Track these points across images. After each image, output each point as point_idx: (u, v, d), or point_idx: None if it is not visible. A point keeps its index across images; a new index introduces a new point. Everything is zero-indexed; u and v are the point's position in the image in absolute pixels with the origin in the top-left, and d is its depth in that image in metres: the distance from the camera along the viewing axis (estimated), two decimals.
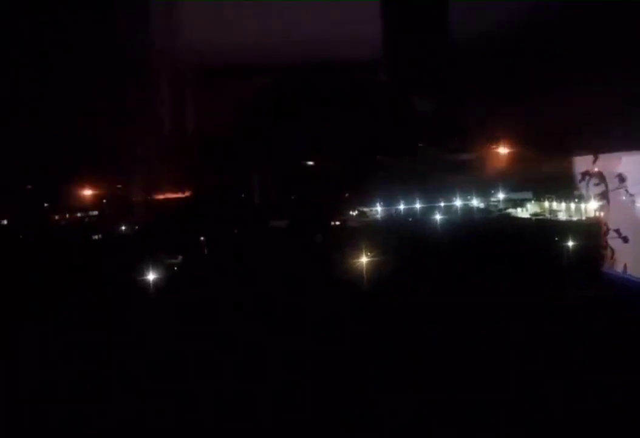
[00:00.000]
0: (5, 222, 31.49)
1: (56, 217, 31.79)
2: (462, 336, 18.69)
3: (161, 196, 33.67)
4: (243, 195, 33.14)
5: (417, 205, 32.77)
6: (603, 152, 26.59)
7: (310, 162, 33.94)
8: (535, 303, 21.59)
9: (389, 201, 33.00)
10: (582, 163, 29.78)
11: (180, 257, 29.80)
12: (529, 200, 34.07)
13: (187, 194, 34.03)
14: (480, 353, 17.36)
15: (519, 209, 33.97)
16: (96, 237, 31.08)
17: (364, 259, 27.21)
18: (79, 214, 32.12)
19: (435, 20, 35.18)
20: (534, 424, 14.01)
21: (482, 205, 33.64)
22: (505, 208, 33.85)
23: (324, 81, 35.22)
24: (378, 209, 33.16)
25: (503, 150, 34.59)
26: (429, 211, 32.71)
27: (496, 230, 30.89)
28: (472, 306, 22.18)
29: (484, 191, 33.72)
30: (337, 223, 32.12)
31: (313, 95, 34.98)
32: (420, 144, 34.50)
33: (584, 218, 31.42)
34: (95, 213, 32.37)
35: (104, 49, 33.33)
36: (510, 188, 33.70)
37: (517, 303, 21.63)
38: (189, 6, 34.81)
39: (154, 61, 35.07)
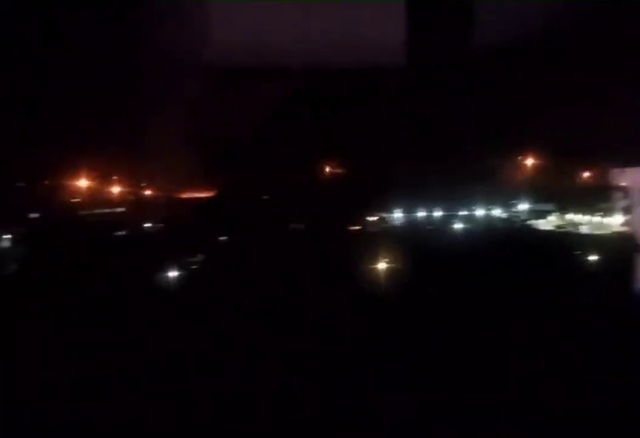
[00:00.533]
0: (36, 215, 32.42)
1: (82, 212, 32.56)
2: (483, 347, 18.68)
3: (184, 195, 34.27)
4: (264, 196, 33.47)
5: (438, 213, 32.65)
6: (630, 165, 26.25)
7: (331, 166, 34.11)
8: (557, 316, 21.48)
9: (408, 208, 32.91)
10: (609, 176, 29.38)
11: (200, 256, 30.36)
12: (553, 212, 33.61)
13: (209, 194, 34.55)
14: (500, 364, 17.38)
15: (541, 221, 33.54)
16: (121, 233, 31.78)
17: (382, 266, 27.35)
18: (105, 211, 32.87)
19: (461, 22, 34.98)
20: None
21: (504, 215, 33.33)
22: (528, 219, 33.46)
23: (347, 84, 35.35)
24: (398, 216, 33.11)
25: (528, 159, 34.26)
26: (449, 219, 32.57)
27: (517, 241, 30.73)
28: (491, 316, 22.17)
29: (506, 200, 33.42)
30: (356, 228, 32.19)
31: (337, 98, 35.15)
32: (443, 151, 34.33)
33: (609, 231, 30.97)
34: (122, 209, 33.08)
35: (130, 47, 34.05)
36: (534, 198, 33.34)
37: (537, 316, 21.55)
38: (216, 6, 35.23)
39: (179, 59, 35.67)
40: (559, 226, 33.67)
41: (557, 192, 33.21)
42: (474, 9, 34.90)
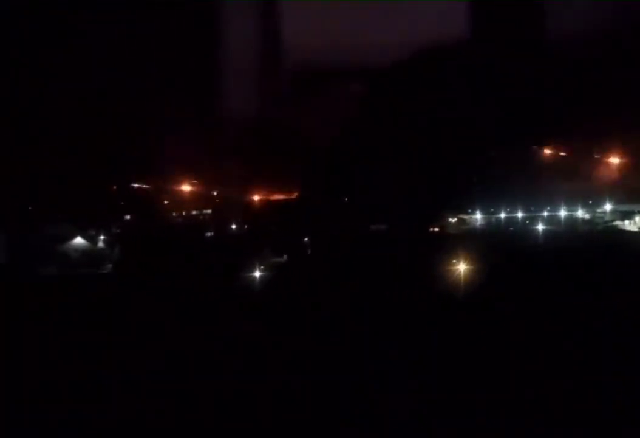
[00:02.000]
0: (128, 217, 34.29)
1: (174, 214, 34.17)
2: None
3: (268, 197, 35.22)
4: (346, 198, 33.92)
5: (519, 214, 32.28)
6: None
7: (411, 168, 34.19)
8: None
9: (489, 209, 32.66)
10: None
11: (285, 256, 31.35)
12: (639, 212, 32.69)
13: (292, 196, 35.36)
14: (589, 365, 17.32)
15: (627, 222, 32.67)
16: (209, 234, 33.18)
17: (462, 267, 27.43)
18: (194, 212, 34.37)
19: (527, 19, 34.32)
20: None
21: (587, 216, 32.64)
22: (612, 220, 32.67)
23: (422, 86, 35.15)
24: (478, 217, 32.91)
25: (613, 158, 33.45)
26: (531, 220, 32.16)
27: (601, 243, 30.09)
28: (573, 318, 21.99)
29: (591, 201, 32.71)
30: (437, 229, 32.28)
31: (414, 100, 35.06)
32: (525, 151, 33.89)
33: None
34: (208, 211, 34.47)
35: (206, 51, 35.05)
36: (619, 199, 32.52)
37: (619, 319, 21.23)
38: (291, 9, 35.67)
39: (256, 64, 36.37)
40: None
41: None
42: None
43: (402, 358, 18.48)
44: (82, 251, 32.58)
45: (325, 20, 35.48)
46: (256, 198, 34.90)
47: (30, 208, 33.07)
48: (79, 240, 32.71)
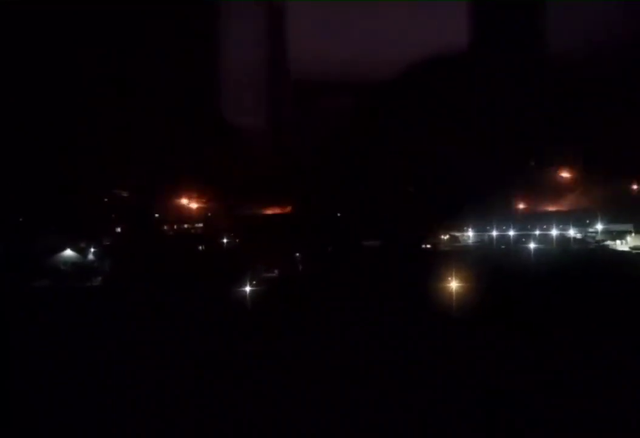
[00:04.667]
0: (119, 230, 34.05)
1: (165, 227, 33.97)
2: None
3: (260, 212, 35.13)
4: (339, 214, 33.89)
5: (511, 232, 32.31)
6: None
7: (405, 184, 34.26)
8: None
9: (481, 227, 32.68)
10: None
11: (275, 271, 31.21)
12: (629, 232, 32.85)
13: (284, 211, 35.28)
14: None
15: (617, 242, 32.81)
16: (200, 247, 32.98)
17: (453, 284, 27.37)
18: (185, 226, 34.19)
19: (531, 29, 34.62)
20: None
21: (578, 235, 32.75)
22: (603, 240, 32.80)
23: (417, 103, 35.25)
24: (470, 235, 32.92)
25: (603, 178, 33.67)
26: (522, 239, 32.20)
27: (592, 263, 30.14)
28: (562, 336, 21.98)
29: (582, 220, 32.85)
30: (428, 246, 32.26)
31: (408, 118, 35.17)
32: (517, 169, 34.03)
33: None
34: (200, 225, 34.30)
35: (207, 62, 35.14)
36: (610, 218, 32.71)
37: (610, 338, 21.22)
38: (299, 19, 35.70)
39: (256, 77, 36.42)
40: (636, 248, 32.97)
41: (634, 212, 32.49)
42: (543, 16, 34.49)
43: (390, 372, 18.48)
44: (71, 264, 32.25)
45: (324, 37, 35.66)
46: (248, 212, 34.80)
47: (20, 219, 32.81)
48: (68, 252, 32.41)
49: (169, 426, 15.83)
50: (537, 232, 32.34)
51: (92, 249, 32.85)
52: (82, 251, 32.68)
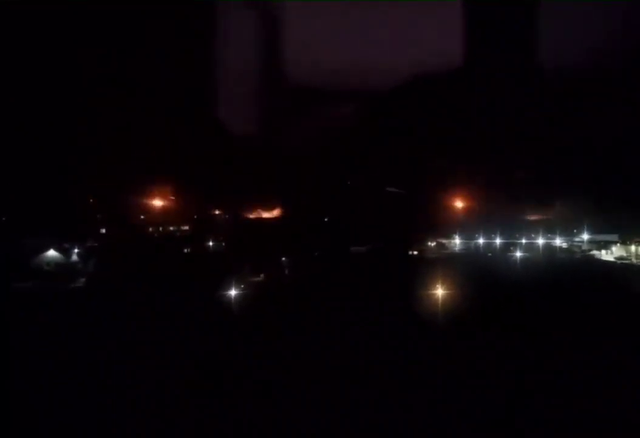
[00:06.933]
0: (103, 231, 33.75)
1: (150, 229, 33.69)
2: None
3: (248, 216, 34.98)
4: (326, 219, 33.84)
5: (497, 240, 32.37)
6: None
7: (394, 190, 34.26)
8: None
9: (469, 235, 32.73)
10: None
11: (262, 275, 31.00)
12: (615, 243, 33.02)
13: (272, 215, 35.17)
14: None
15: (603, 252, 32.96)
16: (186, 250, 32.73)
17: (439, 291, 27.35)
18: (170, 228, 33.94)
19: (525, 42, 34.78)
20: None
21: (564, 245, 32.87)
22: (589, 249, 32.94)
23: (410, 112, 35.41)
24: (457, 242, 32.96)
25: (590, 188, 33.81)
26: (509, 247, 32.28)
27: (577, 272, 30.23)
28: (549, 344, 21.99)
29: (568, 229, 32.97)
30: (415, 252, 32.25)
31: (399, 127, 35.29)
32: (506, 177, 34.14)
33: None
34: (186, 228, 34.06)
35: (202, 67, 35.03)
36: (596, 229, 32.84)
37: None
38: (296, 27, 35.66)
39: (255, 82, 36.33)
40: (621, 258, 33.16)
41: (620, 222, 32.65)
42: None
43: (378, 375, 18.42)
44: (54, 264, 31.88)
45: (320, 45, 35.67)
46: (236, 215, 34.65)
47: (3, 219, 32.42)
48: (52, 253, 32.05)
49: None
50: (524, 240, 32.41)
51: (76, 250, 32.50)
52: (65, 252, 32.34)
